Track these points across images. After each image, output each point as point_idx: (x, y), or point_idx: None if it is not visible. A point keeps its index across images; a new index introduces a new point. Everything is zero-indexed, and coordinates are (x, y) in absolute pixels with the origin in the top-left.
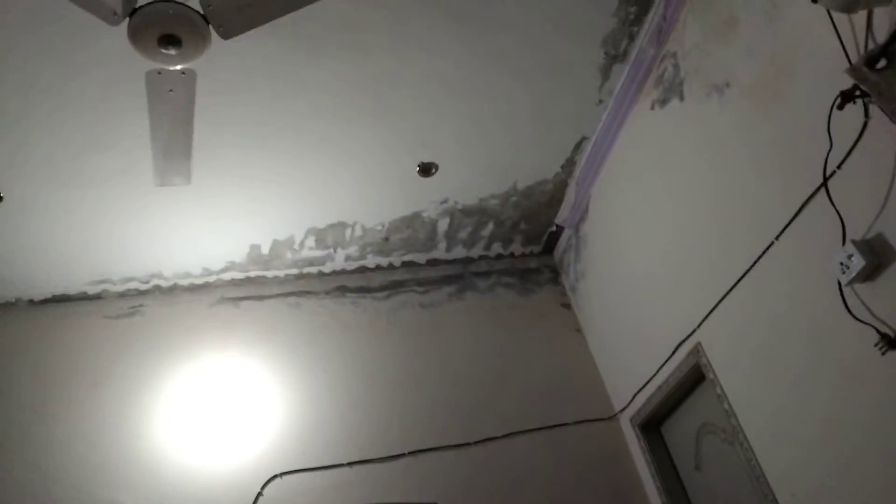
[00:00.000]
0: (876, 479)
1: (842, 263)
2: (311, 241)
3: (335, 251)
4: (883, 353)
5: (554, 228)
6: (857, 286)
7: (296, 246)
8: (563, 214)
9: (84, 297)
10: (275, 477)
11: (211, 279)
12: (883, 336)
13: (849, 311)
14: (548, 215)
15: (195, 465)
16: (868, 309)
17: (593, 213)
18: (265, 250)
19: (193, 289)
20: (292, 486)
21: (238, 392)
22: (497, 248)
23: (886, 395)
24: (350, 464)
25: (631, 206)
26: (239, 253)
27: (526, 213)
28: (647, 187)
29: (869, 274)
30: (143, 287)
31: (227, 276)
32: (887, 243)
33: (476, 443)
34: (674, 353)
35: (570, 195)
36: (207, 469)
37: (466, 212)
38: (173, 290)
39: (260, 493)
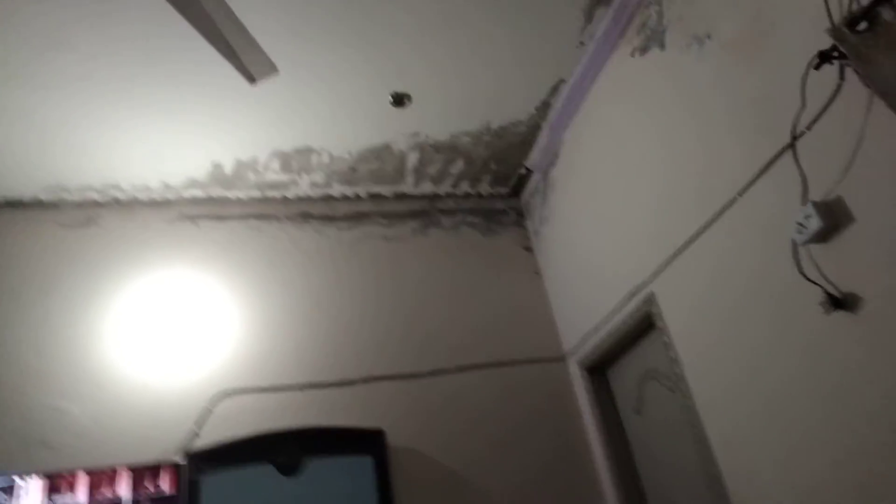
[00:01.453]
0: (803, 430)
1: (799, 223)
2: (275, 164)
3: (300, 176)
4: (826, 313)
5: (524, 171)
6: (812, 247)
7: (259, 168)
8: (534, 157)
9: (38, 204)
10: (225, 395)
11: (170, 195)
12: (829, 296)
13: (800, 270)
14: (518, 157)
15: (144, 379)
16: (819, 270)
17: (564, 158)
18: (228, 170)
19: (152, 204)
20: (242, 405)
21: (192, 309)
22: (465, 186)
23: (826, 354)
24: (301, 387)
25: (601, 153)
26: (201, 170)
27: (497, 154)
28: (619, 135)
29: (824, 235)
30: (101, 199)
31: (187, 193)
32: (845, 207)
33: (427, 374)
34: (627, 300)
35: (543, 138)
36: (156, 383)
37: (437, 147)
38: (132, 204)
39: (209, 410)
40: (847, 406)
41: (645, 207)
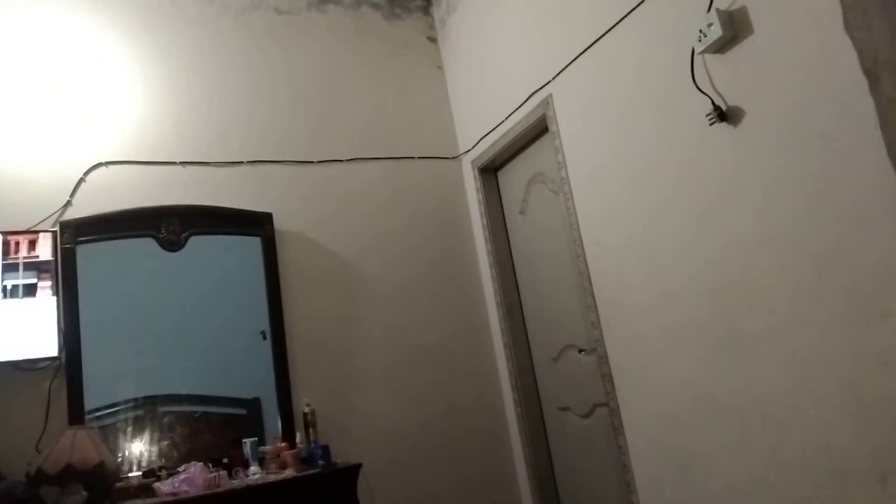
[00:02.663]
0: (672, 239)
1: (700, 31)
2: None
3: None
4: (711, 124)
5: None
6: (708, 57)
7: None
8: None
9: None
10: (99, 165)
11: None
12: (716, 108)
13: (693, 79)
14: None
15: (16, 148)
16: (711, 81)
17: None
18: None
19: None
20: (119, 178)
21: (64, 72)
22: None
23: (705, 166)
24: (184, 163)
25: None
26: None
27: None
28: None
29: (722, 46)
30: None
31: None
32: (748, 18)
33: (319, 162)
34: (525, 101)
35: None
36: (29, 153)
37: None
38: None
39: (82, 179)
40: (715, 217)
41: (551, 6)
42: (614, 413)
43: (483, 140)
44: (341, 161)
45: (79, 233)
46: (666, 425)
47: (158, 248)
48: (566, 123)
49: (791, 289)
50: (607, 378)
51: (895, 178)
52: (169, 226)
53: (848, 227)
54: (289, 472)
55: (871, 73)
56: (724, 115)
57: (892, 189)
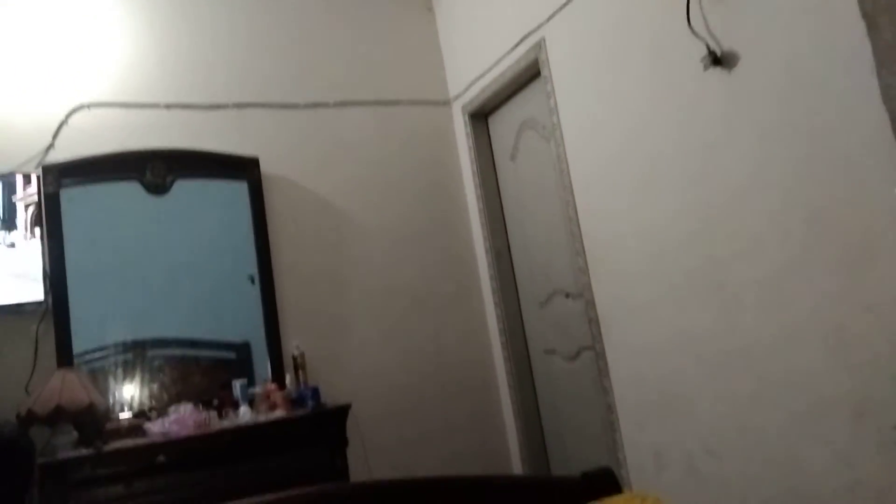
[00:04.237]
0: (658, 180)
1: None
2: None
3: None
4: (705, 69)
5: None
6: (704, 1)
7: None
8: None
9: None
10: (82, 107)
11: None
12: (710, 52)
13: (689, 23)
14: None
15: None
16: (706, 24)
17: None
18: None
19: None
20: (102, 120)
21: (42, 12)
22: None
23: (698, 111)
24: (168, 106)
25: None
26: None
27: None
28: None
29: None
30: None
31: None
32: None
33: (306, 106)
34: (517, 45)
35: None
36: (6, 93)
37: None
38: None
39: (64, 122)
40: (707, 164)
41: None
42: (600, 356)
43: (474, 85)
44: (329, 105)
45: (62, 176)
46: (650, 367)
47: (144, 192)
48: (559, 68)
49: (780, 236)
50: (594, 322)
51: (889, 126)
52: (154, 169)
53: (840, 175)
54: (279, 413)
55: (870, 17)
56: (718, 59)
57: (887, 136)
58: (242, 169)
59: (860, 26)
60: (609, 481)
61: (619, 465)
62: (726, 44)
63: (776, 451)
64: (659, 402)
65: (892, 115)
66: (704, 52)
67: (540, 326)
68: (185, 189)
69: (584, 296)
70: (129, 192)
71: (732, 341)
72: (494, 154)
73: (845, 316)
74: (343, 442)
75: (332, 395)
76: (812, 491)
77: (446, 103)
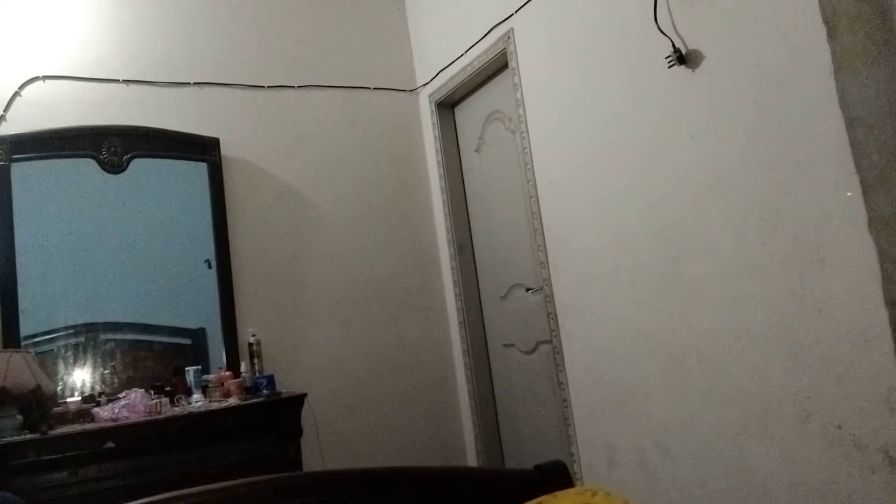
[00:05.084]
0: (622, 179)
1: None
2: None
3: None
4: (669, 67)
5: None
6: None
7: None
8: None
9: None
10: (36, 79)
11: None
12: (676, 50)
13: (656, 20)
14: None
15: None
16: (673, 22)
17: None
18: None
19: None
20: (57, 94)
21: None
22: None
23: (662, 106)
24: (127, 81)
25: None
26: None
27: None
28: None
29: None
30: None
31: None
32: None
33: (269, 87)
34: (486, 35)
35: None
36: None
37: None
38: None
39: (17, 94)
40: (667, 161)
41: None
42: (557, 350)
43: (441, 73)
44: (293, 87)
45: (13, 150)
46: (606, 363)
47: (99, 170)
48: (526, 60)
49: (735, 234)
50: (552, 316)
51: (844, 129)
52: (110, 147)
53: (797, 177)
54: (232, 401)
55: (830, 22)
56: (683, 58)
57: (842, 140)
58: (202, 149)
59: (821, 31)
60: (561, 475)
61: (572, 459)
62: (692, 43)
63: (725, 448)
64: (613, 397)
65: (848, 119)
66: (670, 49)
67: (499, 320)
68: (143, 168)
69: (543, 290)
70: (83, 169)
71: (686, 338)
72: (460, 145)
73: (795, 316)
74: (297, 431)
75: (287, 385)
76: (758, 487)
77: (413, 91)
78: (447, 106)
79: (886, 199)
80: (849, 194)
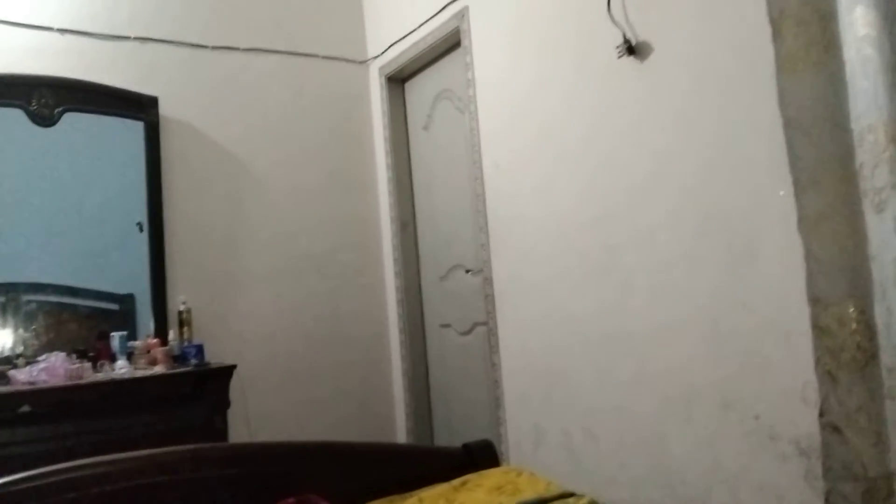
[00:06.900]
0: (566, 163)
1: None
2: None
3: None
4: (619, 56)
5: None
6: None
7: None
8: None
9: None
10: None
11: None
12: (626, 41)
13: (609, 9)
14: None
15: None
16: (625, 12)
17: None
18: None
19: None
20: None
21: None
22: None
23: (610, 96)
24: (62, 30)
25: None
26: None
27: None
28: None
29: None
30: None
31: None
32: None
33: (214, 48)
34: (440, 11)
35: None
36: None
37: None
38: None
39: None
40: (612, 151)
41: None
42: (492, 332)
43: (393, 47)
44: (239, 49)
45: None
46: (539, 347)
47: (28, 122)
48: (480, 40)
49: (670, 226)
50: (489, 299)
51: (781, 129)
52: (41, 98)
53: (736, 174)
54: (158, 369)
55: (776, 23)
56: (632, 49)
57: (780, 140)
58: (140, 108)
59: (766, 31)
60: (488, 454)
61: (501, 439)
62: (642, 34)
63: (648, 433)
64: (544, 380)
65: (786, 120)
66: (621, 40)
67: (438, 300)
68: (75, 123)
69: (483, 272)
70: (11, 119)
71: (618, 325)
72: (408, 122)
73: (722, 310)
74: (225, 403)
75: (217, 355)
76: (677, 472)
77: (363, 63)
78: (397, 81)
79: (816, 200)
80: (782, 193)
